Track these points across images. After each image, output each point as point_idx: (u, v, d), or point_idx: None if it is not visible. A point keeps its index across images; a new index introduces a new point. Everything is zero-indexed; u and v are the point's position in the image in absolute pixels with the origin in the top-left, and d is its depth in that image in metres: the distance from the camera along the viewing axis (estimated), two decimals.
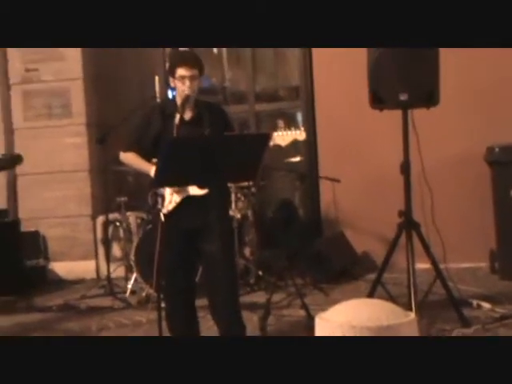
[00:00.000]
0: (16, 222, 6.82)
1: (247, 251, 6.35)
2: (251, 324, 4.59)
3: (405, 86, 4.48)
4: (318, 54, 6.88)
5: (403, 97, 4.47)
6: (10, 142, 7.28)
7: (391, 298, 4.49)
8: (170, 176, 3.59)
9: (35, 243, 7.10)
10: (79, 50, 7.08)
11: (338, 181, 6.04)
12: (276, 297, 5.31)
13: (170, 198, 3.97)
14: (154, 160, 4.00)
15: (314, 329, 2.97)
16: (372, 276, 5.84)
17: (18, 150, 7.13)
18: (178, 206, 3.96)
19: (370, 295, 4.68)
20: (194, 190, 3.90)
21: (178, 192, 3.94)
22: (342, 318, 2.79)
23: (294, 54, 7.86)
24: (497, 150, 5.99)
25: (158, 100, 7.19)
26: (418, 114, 4.61)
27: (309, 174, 7.00)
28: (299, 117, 7.91)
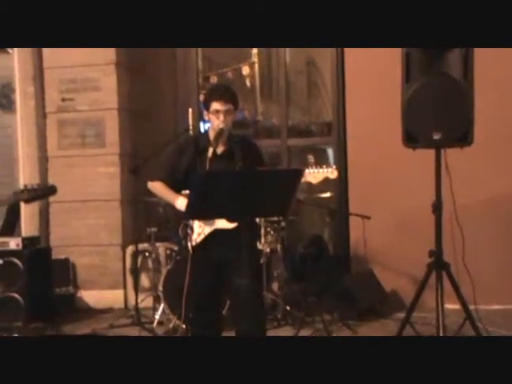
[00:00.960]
0: (47, 250, 6.87)
1: (275, 286, 6.32)
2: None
3: (439, 125, 4.45)
4: (352, 89, 6.92)
5: (437, 136, 4.45)
6: (44, 170, 7.39)
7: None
8: (201, 209, 3.60)
9: (65, 271, 7.14)
10: (115, 80, 7.20)
11: (368, 218, 6.02)
12: (303, 332, 5.27)
13: (199, 231, 3.99)
14: (184, 192, 4.04)
15: None
16: (400, 315, 5.79)
17: (51, 178, 7.24)
18: (207, 238, 3.98)
19: (399, 334, 4.62)
20: (222, 224, 3.91)
21: (206, 225, 3.97)
22: None
23: (327, 89, 7.90)
24: None
25: (191, 133, 7.27)
26: (451, 154, 4.60)
27: (339, 210, 6.98)
28: (330, 152, 7.92)
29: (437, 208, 4.58)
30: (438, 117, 4.47)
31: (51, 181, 7.22)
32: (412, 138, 4.55)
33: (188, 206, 3.64)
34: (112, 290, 7.15)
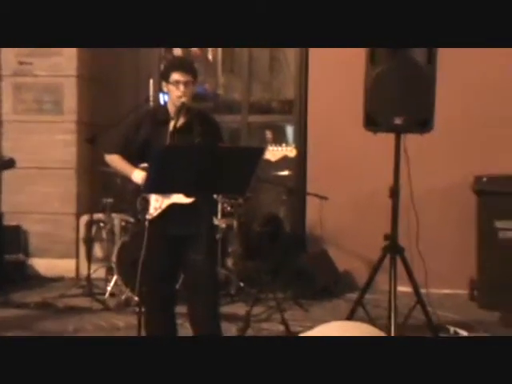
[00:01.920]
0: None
1: (230, 262, 6.33)
2: (229, 335, 4.58)
3: (400, 110, 4.48)
4: (315, 69, 6.90)
5: (398, 121, 4.47)
6: None
7: (371, 320, 4.50)
8: (160, 183, 3.58)
9: (16, 238, 7.03)
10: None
11: (325, 198, 6.04)
12: (256, 309, 5.30)
13: (156, 205, 3.96)
14: (142, 165, 4.00)
15: None
16: (352, 295, 5.86)
17: (5, 143, 7.10)
18: (163, 212, 3.95)
19: (350, 316, 4.68)
20: (178, 198, 3.88)
21: (163, 198, 3.94)
22: None
23: (289, 67, 7.87)
24: (484, 179, 6.03)
25: (151, 104, 7.18)
26: (411, 139, 4.63)
27: (296, 189, 6.99)
28: (289, 130, 7.91)
29: (394, 193, 4.62)
30: (400, 101, 4.49)
31: (5, 145, 7.09)
32: (373, 122, 4.57)
33: (146, 179, 3.61)
34: (64, 259, 7.06)
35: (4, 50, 7.16)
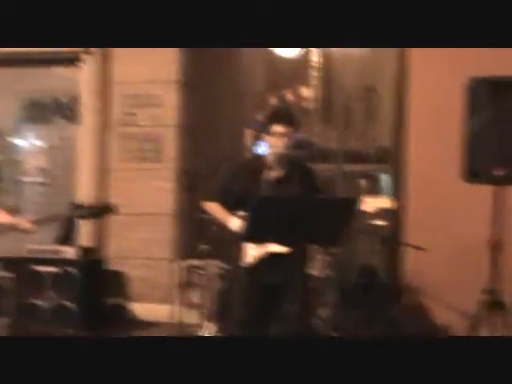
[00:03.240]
0: (102, 260, 6.99)
1: (323, 312, 6.28)
2: None
3: (502, 161, 4.39)
4: (413, 118, 6.86)
5: (499, 172, 4.38)
6: (102, 183, 7.52)
7: None
8: (259, 233, 3.64)
9: (118, 283, 7.25)
10: (175, 97, 7.30)
11: (423, 249, 5.94)
12: None
13: (252, 253, 4.01)
14: (239, 213, 4.07)
15: None
16: None
17: (109, 191, 7.37)
18: (259, 260, 4.00)
19: None
20: (274, 247, 3.93)
21: (258, 247, 3.98)
22: None
23: (385, 115, 7.84)
24: None
25: (247, 154, 7.32)
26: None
27: (392, 240, 6.90)
28: (384, 179, 7.85)
29: (492, 247, 4.49)
30: (501, 152, 4.40)
31: (111, 193, 7.35)
32: (473, 173, 4.49)
33: (246, 229, 3.67)
34: (161, 305, 7.20)
35: (111, 101, 7.49)
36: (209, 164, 6.62)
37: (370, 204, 4.12)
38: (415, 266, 6.35)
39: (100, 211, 4.34)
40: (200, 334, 6.10)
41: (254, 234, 3.63)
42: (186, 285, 6.85)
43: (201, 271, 6.68)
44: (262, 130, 4.23)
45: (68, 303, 6.32)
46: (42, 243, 6.82)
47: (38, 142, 8.21)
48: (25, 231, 4.14)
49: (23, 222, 4.12)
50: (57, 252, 6.54)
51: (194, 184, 6.19)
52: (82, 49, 7.33)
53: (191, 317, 6.50)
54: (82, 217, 4.31)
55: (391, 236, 7.00)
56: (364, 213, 4.20)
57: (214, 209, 4.25)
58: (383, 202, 4.12)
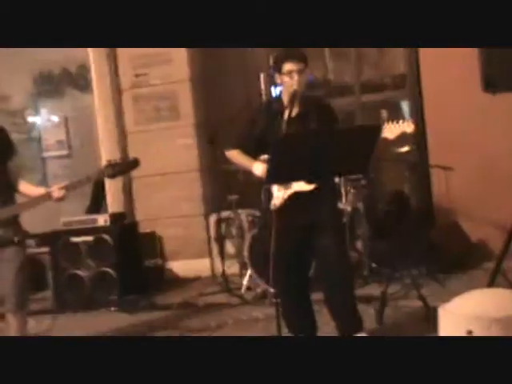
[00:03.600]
0: (134, 224, 7.06)
1: (359, 244, 6.31)
2: (368, 317, 4.57)
3: None
4: None
5: None
6: (123, 146, 7.55)
7: None
8: (281, 173, 3.62)
9: (152, 244, 7.33)
10: (185, 51, 7.25)
11: (450, 169, 5.91)
12: (391, 288, 5.26)
13: (278, 195, 4.00)
14: (261, 157, 4.05)
15: (434, 320, 2.93)
16: (489, 265, 5.68)
17: (130, 154, 7.39)
18: (286, 202, 3.98)
19: (490, 285, 4.55)
20: (299, 186, 3.91)
21: (284, 188, 3.97)
22: (467, 309, 2.73)
23: None
24: None
25: (264, 97, 7.26)
26: None
27: (419, 164, 6.86)
28: (403, 106, 7.77)
29: None
30: None
31: (131, 156, 7.36)
32: (491, 82, 4.41)
33: (268, 170, 3.66)
34: (198, 260, 7.28)
35: (121, 64, 7.47)
36: (226, 113, 6.58)
37: (391, 130, 4.08)
38: (445, 187, 6.30)
39: (127, 166, 4.37)
40: (243, 282, 6.18)
41: (278, 174, 3.61)
42: (220, 237, 6.91)
43: (232, 221, 6.72)
44: (274, 72, 4.17)
45: (107, 269, 6.40)
46: (75, 215, 6.91)
47: (55, 116, 8.25)
48: (58, 200, 4.18)
49: (56, 191, 4.17)
50: (90, 221, 6.61)
51: (214, 136, 6.17)
52: None
53: (229, 268, 6.56)
54: (113, 175, 4.33)
55: (417, 160, 6.95)
56: (388, 140, 4.16)
57: (236, 156, 4.24)
58: (404, 127, 4.07)
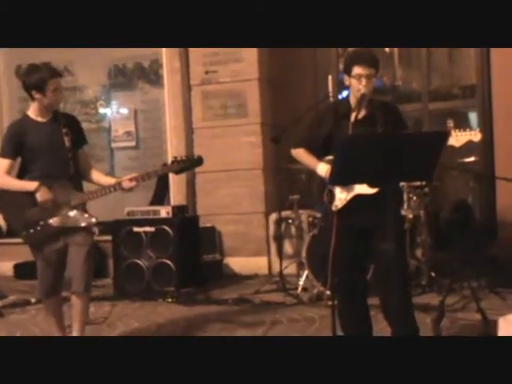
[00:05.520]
0: (195, 218, 7.14)
1: (419, 252, 6.25)
2: (424, 326, 4.52)
3: None
4: (497, 52, 6.65)
5: None
6: (189, 142, 7.66)
7: None
8: (345, 174, 3.62)
9: (211, 238, 7.41)
10: (255, 51, 7.32)
11: None
12: (450, 299, 5.20)
13: (341, 196, 4.00)
14: (326, 158, 4.06)
15: (493, 333, 2.90)
16: None
17: (196, 149, 7.50)
18: (348, 204, 3.97)
19: None
20: (362, 189, 3.90)
21: (347, 190, 3.97)
22: None
23: (468, 54, 7.64)
24: None
25: (331, 99, 7.26)
26: None
27: (485, 175, 6.76)
28: (470, 116, 7.67)
29: None
30: None
31: (196, 151, 7.48)
32: None
33: (332, 171, 3.67)
34: (256, 257, 7.34)
35: (192, 61, 7.58)
36: (293, 114, 6.61)
37: (458, 138, 4.04)
38: (510, 200, 6.19)
39: (192, 163, 4.46)
40: (300, 282, 6.20)
41: (342, 175, 3.62)
42: (279, 236, 6.94)
43: (292, 221, 6.74)
44: (343, 74, 4.17)
45: (166, 261, 6.50)
46: (138, 205, 7.05)
47: (125, 108, 8.42)
48: (128, 190, 4.31)
49: (126, 182, 4.29)
50: (153, 212, 6.72)
51: (279, 135, 6.21)
52: None
53: (286, 268, 6.59)
54: (178, 171, 4.44)
55: (483, 171, 6.85)
56: (454, 149, 4.12)
57: (301, 155, 4.24)
58: (471, 135, 4.03)
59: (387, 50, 8.48)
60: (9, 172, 4.34)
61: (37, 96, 4.27)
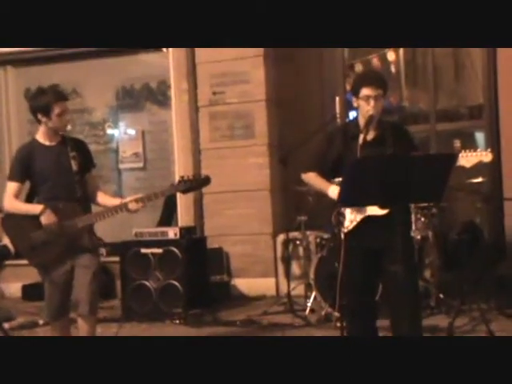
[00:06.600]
0: (203, 240, 7.14)
1: (428, 273, 6.22)
2: None
3: None
4: (504, 72, 6.67)
5: None
6: (197, 162, 7.67)
7: None
8: (355, 196, 3.63)
9: (219, 259, 7.40)
10: (263, 72, 7.35)
11: None
12: (458, 321, 5.17)
13: (351, 218, 4.00)
14: (337, 180, 4.07)
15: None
16: None
17: (204, 170, 7.51)
18: (359, 225, 3.98)
19: None
20: (372, 210, 3.90)
21: (357, 212, 3.97)
22: None
23: (475, 73, 7.65)
24: None
25: (339, 120, 7.28)
26: None
27: (493, 196, 6.75)
28: (477, 137, 7.67)
29: None
30: None
31: (204, 172, 7.47)
32: None
33: (341, 192, 3.68)
34: (264, 278, 7.32)
35: (199, 82, 7.61)
36: (300, 135, 6.63)
37: (468, 158, 4.03)
38: None
39: (199, 183, 4.48)
40: (308, 304, 6.18)
41: (351, 197, 3.62)
42: (287, 257, 6.93)
43: (299, 242, 6.74)
44: (351, 96, 4.18)
45: (174, 282, 6.49)
46: (146, 226, 7.05)
47: (132, 129, 8.46)
48: (133, 211, 4.32)
49: (131, 203, 4.31)
50: (161, 233, 6.72)
51: (286, 157, 6.22)
52: None
53: (294, 289, 6.57)
54: (185, 191, 4.46)
55: (491, 192, 6.84)
56: (463, 169, 4.11)
57: (313, 179, 4.24)
58: (482, 156, 4.02)
59: (393, 69, 8.51)
60: (17, 195, 4.37)
61: (42, 119, 4.31)
